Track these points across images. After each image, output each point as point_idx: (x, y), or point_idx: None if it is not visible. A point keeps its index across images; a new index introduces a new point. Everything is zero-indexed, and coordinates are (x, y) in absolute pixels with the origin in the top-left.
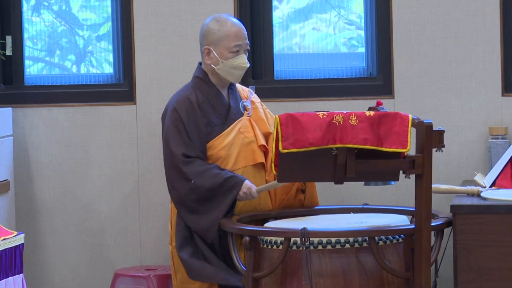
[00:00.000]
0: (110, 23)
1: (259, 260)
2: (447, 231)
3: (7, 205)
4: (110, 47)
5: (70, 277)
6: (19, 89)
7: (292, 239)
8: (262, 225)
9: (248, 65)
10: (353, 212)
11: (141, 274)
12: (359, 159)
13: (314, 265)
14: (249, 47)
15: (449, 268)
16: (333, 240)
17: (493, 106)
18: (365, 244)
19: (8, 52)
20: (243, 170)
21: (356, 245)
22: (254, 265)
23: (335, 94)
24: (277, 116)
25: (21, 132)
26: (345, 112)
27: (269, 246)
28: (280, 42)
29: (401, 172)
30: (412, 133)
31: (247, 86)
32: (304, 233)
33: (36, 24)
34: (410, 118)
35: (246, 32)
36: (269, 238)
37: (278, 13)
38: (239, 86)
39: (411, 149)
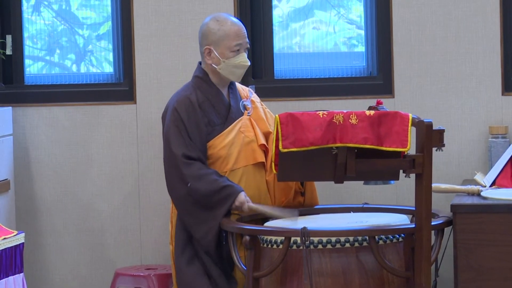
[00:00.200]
0: (110, 22)
1: (259, 259)
2: (447, 230)
3: (7, 205)
4: (110, 46)
5: (71, 276)
6: (19, 89)
7: (292, 239)
8: (263, 224)
9: (249, 63)
10: (353, 212)
11: (142, 274)
12: (359, 159)
13: (314, 265)
14: (249, 46)
15: (449, 268)
16: (333, 239)
17: (493, 105)
18: (365, 244)
19: (8, 51)
20: (244, 169)
21: (356, 244)
22: (254, 265)
23: (335, 93)
24: (277, 115)
25: (21, 132)
26: (345, 111)
27: (269, 246)
28: (280, 42)
29: (401, 171)
30: (412, 132)
31: (247, 86)
32: (304, 233)
33: (36, 23)
34: (410, 118)
35: (245, 31)
36: (269, 238)
37: (278, 12)
38: (239, 86)
39: (411, 149)
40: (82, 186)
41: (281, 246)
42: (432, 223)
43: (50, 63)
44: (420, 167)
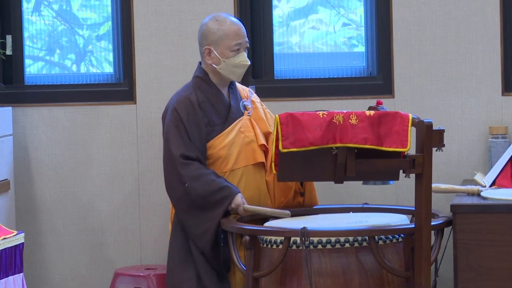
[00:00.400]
0: (110, 23)
1: (259, 259)
2: (447, 230)
3: (7, 205)
4: (110, 46)
5: (70, 276)
6: (19, 89)
7: (292, 239)
8: (262, 224)
9: (249, 62)
10: (353, 212)
11: (141, 273)
12: (359, 159)
13: (314, 265)
14: (248, 45)
15: (449, 268)
16: (333, 239)
17: (493, 105)
18: (365, 244)
19: (8, 52)
20: (244, 169)
21: (356, 244)
22: (254, 265)
23: (335, 93)
24: (277, 115)
25: (21, 132)
26: (345, 111)
27: (269, 246)
28: (280, 42)
29: (401, 171)
30: (412, 132)
31: (247, 86)
32: (304, 233)
33: (36, 23)
34: (410, 118)
35: (245, 30)
36: (269, 238)
37: (278, 12)
38: (239, 86)
39: (411, 149)
40: (82, 186)
41: (281, 246)
42: (432, 223)
43: (50, 63)
44: (420, 167)
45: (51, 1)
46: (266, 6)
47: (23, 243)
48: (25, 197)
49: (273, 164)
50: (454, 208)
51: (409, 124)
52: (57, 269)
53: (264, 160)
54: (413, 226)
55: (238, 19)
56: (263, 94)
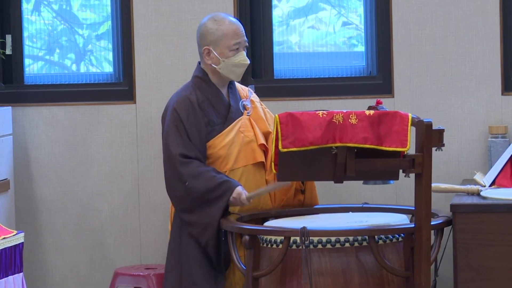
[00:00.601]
0: (109, 22)
1: (259, 259)
2: (447, 230)
3: (7, 204)
4: (110, 46)
5: (70, 276)
6: (19, 88)
7: (292, 238)
8: (262, 224)
9: (248, 62)
10: (353, 211)
11: (141, 273)
12: (359, 158)
13: (313, 264)
14: (247, 44)
15: (449, 267)
16: (333, 239)
17: (493, 105)
18: (364, 243)
19: (8, 51)
20: (243, 169)
21: (356, 244)
22: (253, 264)
23: (335, 93)
24: (276, 115)
25: (21, 131)
26: (345, 111)
27: (269, 245)
28: (280, 41)
29: (400, 171)
30: (412, 132)
31: (247, 85)
32: (304, 232)
33: (35, 23)
34: (410, 117)
35: (244, 29)
36: (269, 237)
37: (278, 12)
38: (238, 85)
39: (411, 148)
40: (82, 186)
41: (280, 246)
42: (432, 223)
43: (50, 62)
44: (420, 167)
45: (51, 0)
46: (266, 5)
47: (23, 242)
48: (25, 197)
49: (273, 163)
50: (453, 207)
51: (409, 124)
52: (57, 269)
53: (263, 160)
54: (413, 225)
55: (236, 18)
56: (262, 93)
